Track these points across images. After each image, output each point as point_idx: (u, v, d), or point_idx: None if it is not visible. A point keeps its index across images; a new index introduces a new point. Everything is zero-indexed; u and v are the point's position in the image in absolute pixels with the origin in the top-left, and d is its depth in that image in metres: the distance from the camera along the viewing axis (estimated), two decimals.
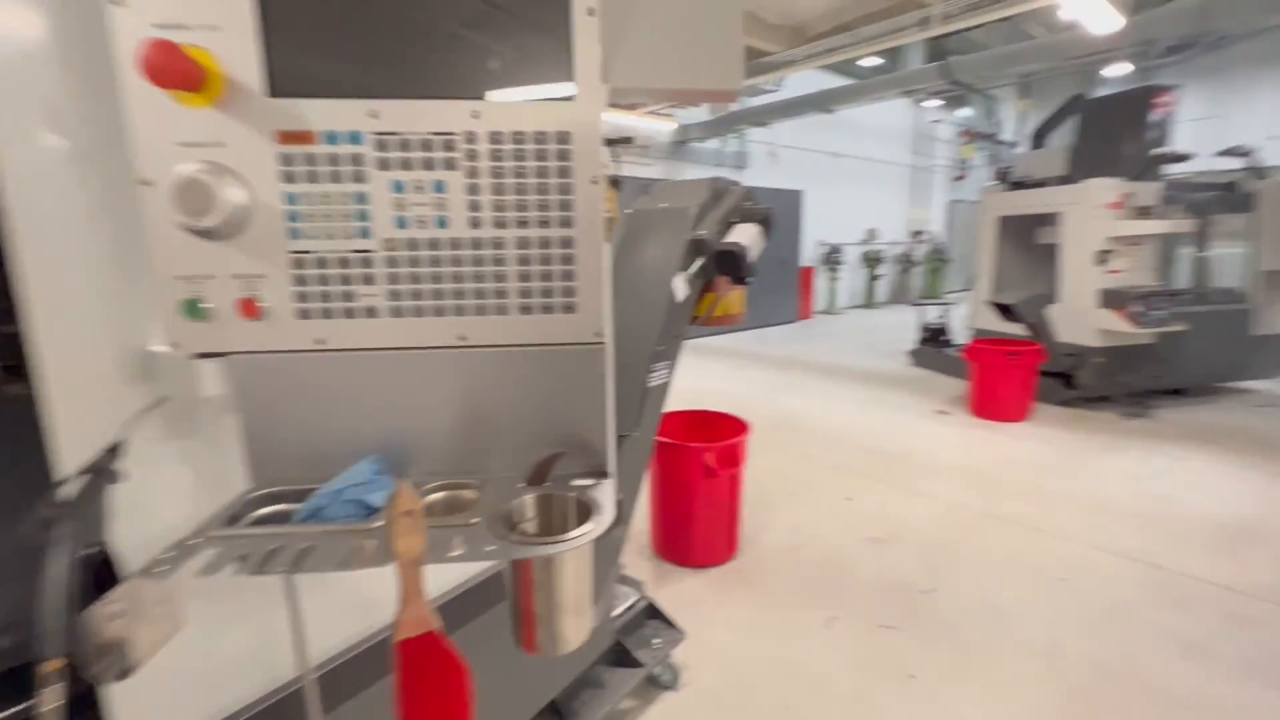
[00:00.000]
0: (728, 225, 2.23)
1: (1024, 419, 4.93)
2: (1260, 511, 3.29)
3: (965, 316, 6.63)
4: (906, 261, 13.99)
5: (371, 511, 0.72)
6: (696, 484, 2.62)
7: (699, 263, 2.17)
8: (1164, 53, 8.37)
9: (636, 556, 2.83)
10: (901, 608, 2.45)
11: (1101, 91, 6.90)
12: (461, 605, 1.36)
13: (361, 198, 0.71)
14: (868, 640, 2.26)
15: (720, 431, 2.85)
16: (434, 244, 0.73)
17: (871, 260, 13.00)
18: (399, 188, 0.72)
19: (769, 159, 11.32)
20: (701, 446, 2.58)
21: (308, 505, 0.74)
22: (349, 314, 0.74)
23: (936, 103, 13.57)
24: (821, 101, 9.41)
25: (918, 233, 14.50)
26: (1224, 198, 5.55)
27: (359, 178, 0.71)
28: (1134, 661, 2.14)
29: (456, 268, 0.74)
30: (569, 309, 0.74)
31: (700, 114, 9.84)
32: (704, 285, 2.38)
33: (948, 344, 6.91)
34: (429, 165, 0.72)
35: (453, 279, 0.74)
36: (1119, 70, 10.50)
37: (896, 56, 12.77)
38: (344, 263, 0.72)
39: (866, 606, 2.46)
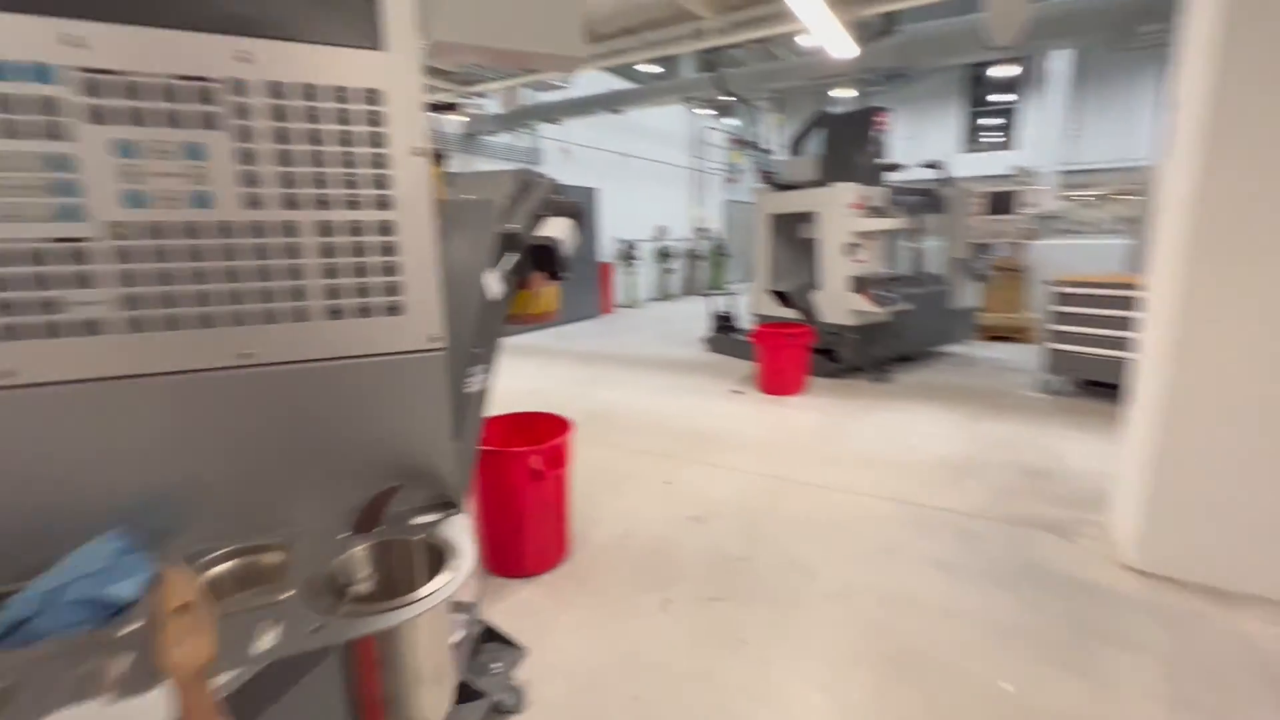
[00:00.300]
0: (538, 219, 2.13)
1: (802, 392, 5.63)
2: (969, 448, 4.17)
3: (749, 304, 7.38)
4: (693, 256, 15.17)
5: (116, 612, 0.50)
6: (524, 489, 2.50)
7: (512, 258, 2.04)
8: (879, 80, 10.19)
9: None
10: (725, 578, 2.62)
11: (836, 109, 8.13)
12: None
13: (61, 162, 0.48)
14: (700, 615, 2.37)
15: (542, 432, 2.76)
16: (192, 230, 0.53)
17: (663, 255, 13.83)
18: (127, 150, 0.50)
19: (562, 156, 11.38)
20: (526, 450, 2.46)
21: (2, 619, 0.50)
22: (52, 331, 0.50)
23: (708, 111, 14.87)
24: (610, 102, 9.70)
25: (701, 229, 15.81)
26: (927, 201, 6.94)
27: (54, 133, 0.48)
28: (905, 584, 2.55)
29: (230, 262, 0.54)
30: (394, 309, 0.59)
31: (492, 106, 9.51)
32: (518, 282, 2.25)
33: (736, 330, 7.63)
34: (175, 121, 0.51)
35: (225, 277, 0.54)
36: (845, 93, 12.55)
37: (673, 65, 13.69)
38: (36, 257, 0.49)
39: (695, 583, 2.58)
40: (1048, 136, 15.67)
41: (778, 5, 5.27)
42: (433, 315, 0.63)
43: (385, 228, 0.59)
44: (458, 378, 1.71)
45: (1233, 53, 2.22)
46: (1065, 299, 5.15)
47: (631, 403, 5.46)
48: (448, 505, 0.67)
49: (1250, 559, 2.44)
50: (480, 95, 8.62)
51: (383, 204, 0.59)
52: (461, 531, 0.62)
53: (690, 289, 15.07)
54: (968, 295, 7.16)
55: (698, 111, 14.74)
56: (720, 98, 9.51)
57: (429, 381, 0.65)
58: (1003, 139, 19.05)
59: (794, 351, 5.55)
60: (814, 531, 3.04)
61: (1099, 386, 5.21)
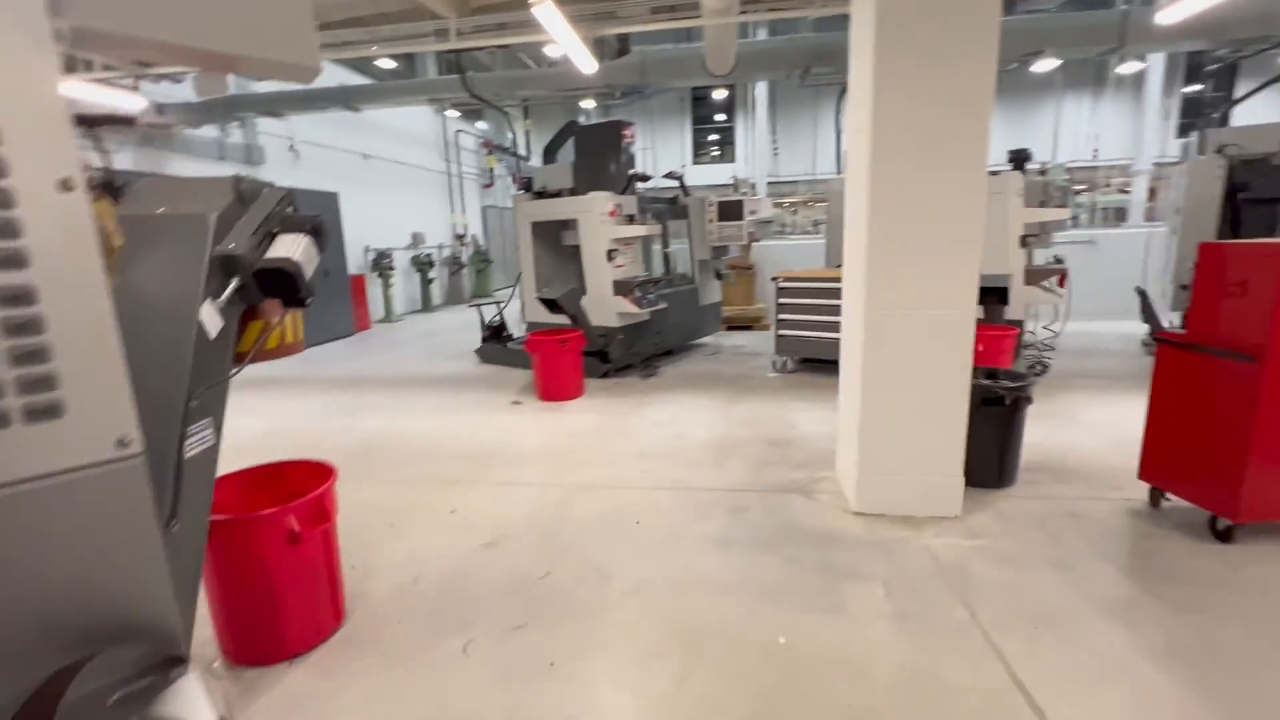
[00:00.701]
0: (268, 236, 1.82)
1: (580, 395, 5.77)
2: (728, 429, 4.70)
3: (518, 312, 7.31)
4: (455, 264, 14.54)
5: None
6: (279, 557, 2.11)
7: (234, 285, 1.71)
8: (620, 95, 10.91)
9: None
10: (526, 602, 2.55)
11: (583, 120, 8.48)
12: None
13: None
14: (505, 648, 2.27)
15: (296, 484, 2.36)
16: None
17: (422, 264, 13.00)
18: None
19: (291, 156, 9.95)
20: (277, 511, 2.08)
21: None
22: None
23: (456, 113, 14.33)
24: (344, 98, 8.76)
25: (460, 236, 15.22)
26: (671, 208, 7.64)
27: None
28: (690, 567, 2.77)
29: None
30: (45, 412, 0.41)
31: (184, 92, 7.86)
32: (246, 313, 1.90)
33: (509, 339, 7.50)
34: None
35: None
36: (590, 104, 13.18)
37: (416, 63, 12.86)
38: None
39: (496, 615, 2.46)
40: (756, 152, 18.45)
41: (523, 14, 5.29)
42: (116, 408, 0.45)
43: (16, 296, 0.41)
44: (172, 441, 1.36)
45: (881, 96, 2.83)
46: (784, 291, 6.11)
47: (402, 429, 5.02)
48: (170, 663, 0.49)
49: (922, 490, 3.16)
50: (171, 79, 7.07)
51: (9, 261, 0.41)
52: (194, 701, 0.46)
53: (454, 298, 14.42)
54: (713, 292, 8.07)
55: (446, 114, 14.13)
56: (469, 101, 9.24)
57: (121, 502, 0.46)
58: (721, 153, 21.93)
59: (568, 357, 5.66)
60: (607, 532, 3.13)
61: (818, 363, 6.31)
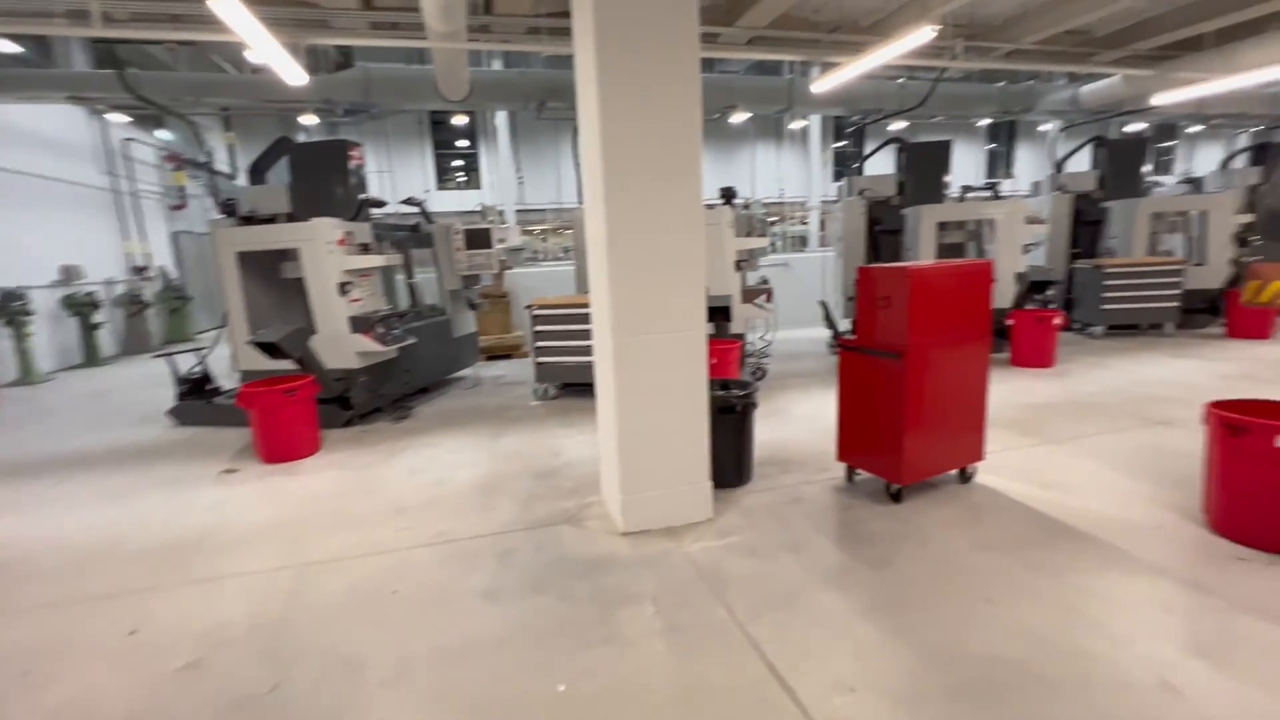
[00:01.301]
0: None
1: (316, 451, 5.00)
2: (491, 467, 4.50)
3: (228, 359, 6.09)
4: (136, 303, 11.62)
5: None
6: None
7: None
8: (344, 112, 9.94)
9: None
10: None
11: (302, 137, 7.51)
12: None
13: None
14: None
15: None
16: None
17: (80, 306, 10.09)
18: None
19: None
20: None
21: None
22: None
23: (123, 118, 11.59)
24: None
25: (141, 268, 12.24)
26: (414, 236, 7.15)
27: None
28: (461, 631, 2.52)
29: None
30: None
31: None
32: None
33: (216, 392, 6.19)
34: None
35: None
36: (310, 120, 11.78)
37: (50, 49, 10.05)
38: None
39: None
40: (502, 179, 18.50)
41: (199, 5, 4.44)
42: None
43: None
44: None
45: (608, 144, 2.98)
46: (539, 319, 6.14)
47: (43, 533, 3.75)
48: None
49: (679, 500, 3.39)
50: None
51: None
52: None
53: (137, 347, 11.52)
54: (467, 322, 7.76)
55: (107, 118, 11.29)
56: (137, 104, 7.50)
57: None
58: (466, 179, 21.53)
59: (297, 408, 4.86)
60: (357, 613, 2.70)
61: (580, 387, 6.44)
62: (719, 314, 6.15)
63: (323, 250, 5.45)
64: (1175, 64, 6.82)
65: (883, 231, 8.50)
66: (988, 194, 8.40)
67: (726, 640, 2.39)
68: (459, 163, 21.73)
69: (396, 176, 19.35)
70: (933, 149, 8.42)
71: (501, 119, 17.45)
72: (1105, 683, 2.06)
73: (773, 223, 19.57)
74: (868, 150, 9.56)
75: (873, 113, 8.54)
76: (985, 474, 3.85)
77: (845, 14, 6.01)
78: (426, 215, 7.45)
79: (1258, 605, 2.45)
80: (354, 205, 6.24)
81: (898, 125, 15.01)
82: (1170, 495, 3.47)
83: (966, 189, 8.68)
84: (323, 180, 6.39)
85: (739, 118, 20.04)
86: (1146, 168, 9.20)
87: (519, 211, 18.95)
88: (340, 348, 5.52)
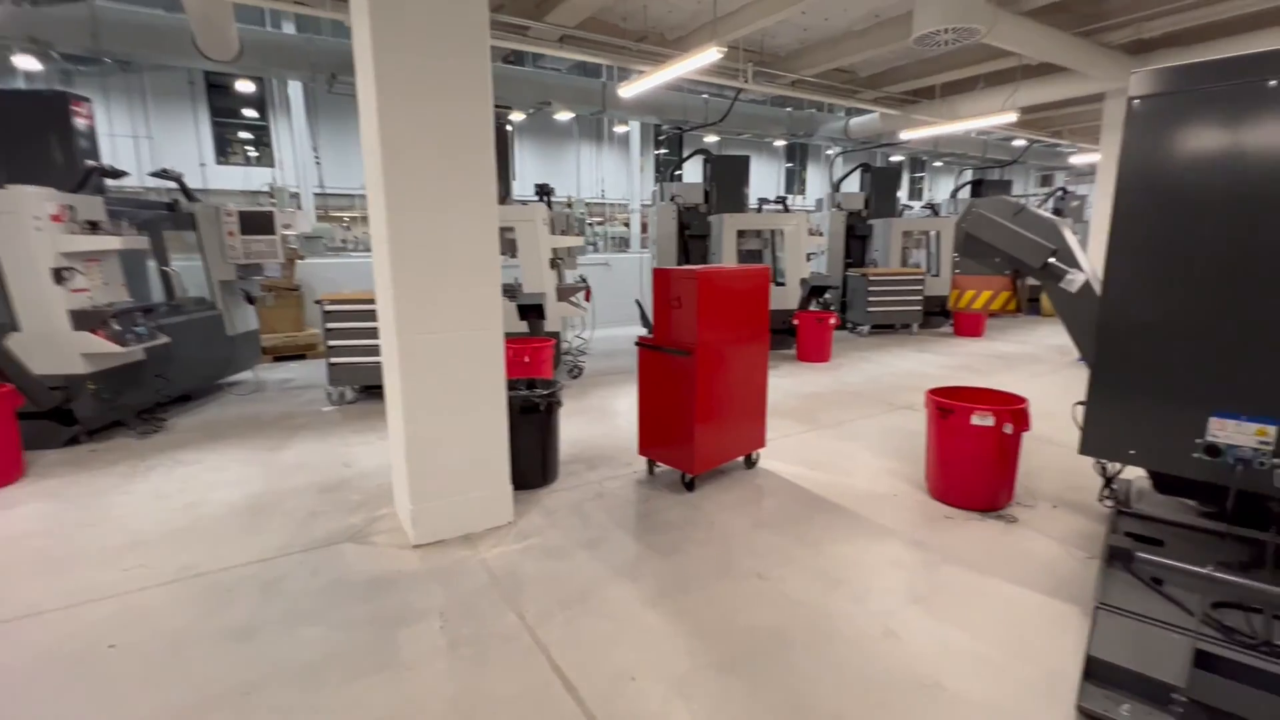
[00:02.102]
0: None
1: (18, 478, 3.98)
2: (266, 485, 3.95)
3: None
4: None
5: None
6: None
7: None
8: (71, 59, 8.06)
9: None
10: None
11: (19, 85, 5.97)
12: None
13: None
14: None
15: None
16: None
17: None
18: None
19: None
20: None
21: None
22: None
23: None
24: None
25: None
26: (169, 216, 6.03)
27: None
28: (198, 684, 2.15)
29: None
30: None
31: None
32: None
33: None
34: None
35: None
36: (28, 64, 9.39)
37: None
38: None
39: None
40: (299, 159, 16.49)
41: None
42: None
43: None
44: None
45: (385, 110, 2.75)
46: (332, 315, 5.54)
47: None
48: None
49: (477, 505, 3.26)
50: None
51: None
52: None
53: None
54: (245, 318, 6.75)
55: None
56: None
57: None
58: (258, 155, 18.86)
59: None
60: (55, 680, 2.17)
61: (379, 389, 5.92)
62: (532, 312, 6.07)
63: (27, 226, 4.35)
64: (916, 108, 8.18)
65: (692, 236, 9.06)
66: (779, 207, 9.36)
67: (514, 648, 2.33)
68: (246, 135, 18.92)
69: (159, 144, 16.26)
70: (734, 162, 9.17)
71: (296, 90, 15.51)
72: (843, 637, 2.37)
73: (598, 223, 19.96)
74: (682, 158, 10.18)
75: (683, 123, 9.07)
76: (767, 459, 4.26)
77: (651, 26, 6.26)
78: (186, 192, 6.33)
79: (957, 554, 3.00)
80: (79, 173, 5.08)
81: (711, 139, 16.18)
82: (905, 469, 4.13)
83: (763, 201, 9.60)
84: (34, 140, 5.12)
85: (563, 116, 20.08)
86: (901, 193, 10.97)
87: (319, 195, 17.04)
88: (56, 349, 4.46)
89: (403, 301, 2.88)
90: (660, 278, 3.69)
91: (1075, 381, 6.57)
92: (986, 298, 3.25)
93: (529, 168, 21.10)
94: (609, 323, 10.06)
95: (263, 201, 6.61)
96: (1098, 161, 7.50)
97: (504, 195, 6.73)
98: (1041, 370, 7.20)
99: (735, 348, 3.77)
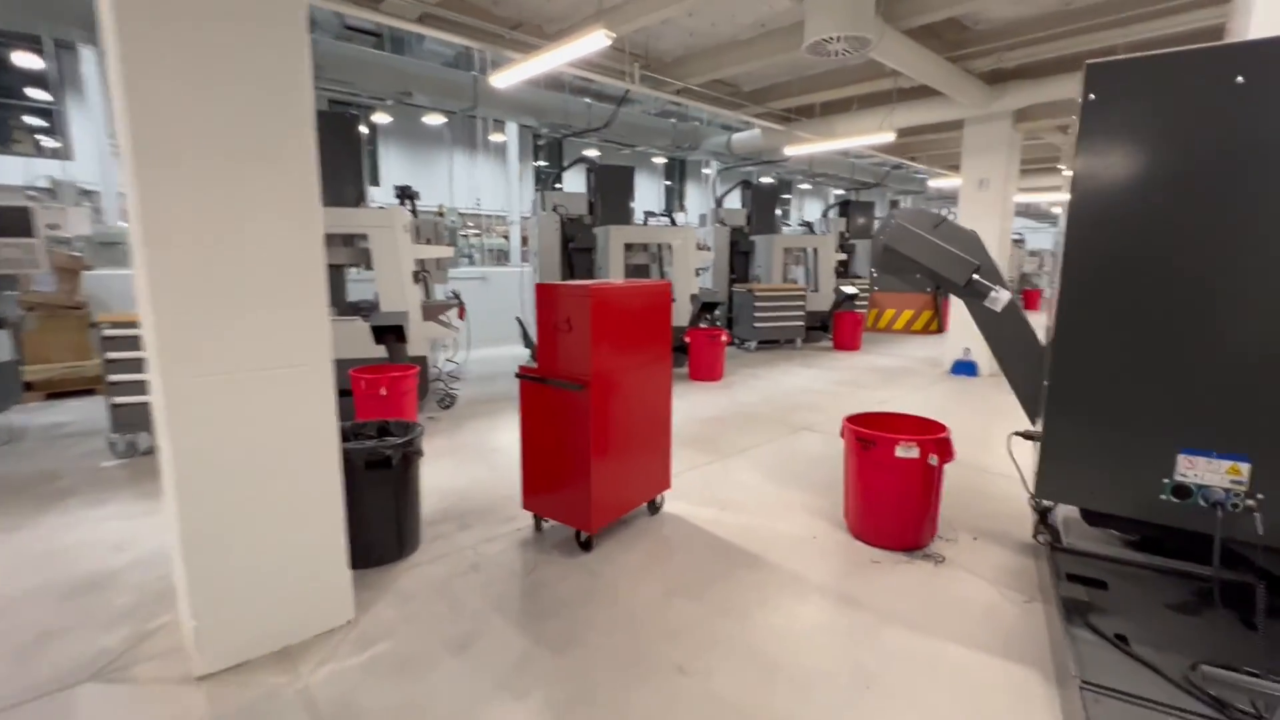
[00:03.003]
0: None
1: None
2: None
3: None
4: None
5: None
6: None
7: None
8: None
9: None
10: None
11: None
12: None
13: None
14: None
15: None
16: None
17: None
18: None
19: None
20: None
21: None
22: None
23: None
24: None
25: None
26: None
27: None
28: None
29: None
30: None
31: None
32: None
33: None
34: None
35: None
36: None
37: None
38: None
39: None
40: (102, 149, 13.82)
41: None
42: None
43: None
44: None
45: (133, 80, 1.88)
46: (113, 342, 4.27)
47: None
48: None
49: (297, 606, 2.40)
50: None
51: None
52: None
53: None
54: None
55: None
56: None
57: None
58: (58, 145, 15.67)
59: None
60: None
61: None
62: (391, 334, 5.13)
63: None
64: (796, 125, 8.23)
65: (577, 249, 8.47)
66: (666, 220, 9.06)
67: None
68: (38, 122, 15.65)
69: None
70: (619, 173, 8.73)
71: (91, 63, 12.98)
72: None
73: (475, 234, 18.76)
74: (564, 164, 9.59)
75: (564, 127, 8.47)
76: (674, 500, 3.73)
77: (528, 15, 5.62)
78: None
79: (895, 612, 2.62)
80: None
81: (594, 153, 15.76)
82: (820, 502, 3.78)
83: (649, 214, 9.25)
84: None
85: (434, 119, 18.71)
86: (779, 211, 11.16)
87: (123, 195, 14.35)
88: None
89: (167, 332, 1.99)
90: (545, 295, 3.04)
91: (955, 393, 6.78)
92: (908, 317, 2.96)
93: (396, 174, 19.49)
94: (487, 341, 9.18)
95: (16, 197, 5.01)
96: (959, 186, 7.90)
97: (358, 198, 5.73)
98: (920, 383, 7.40)
99: (636, 377, 3.21)
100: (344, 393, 5.18)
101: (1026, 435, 2.64)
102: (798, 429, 5.42)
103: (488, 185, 20.87)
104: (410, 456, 3.00)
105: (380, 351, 5.27)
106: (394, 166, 19.78)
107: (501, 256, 18.78)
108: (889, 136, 7.14)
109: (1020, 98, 6.66)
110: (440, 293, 7.81)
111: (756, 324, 9.46)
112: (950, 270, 2.81)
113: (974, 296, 2.82)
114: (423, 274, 6.45)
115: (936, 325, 2.88)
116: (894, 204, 20.89)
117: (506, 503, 3.67)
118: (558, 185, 9.03)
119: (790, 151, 8.40)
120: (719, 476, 4.24)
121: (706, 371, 7.46)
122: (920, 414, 3.42)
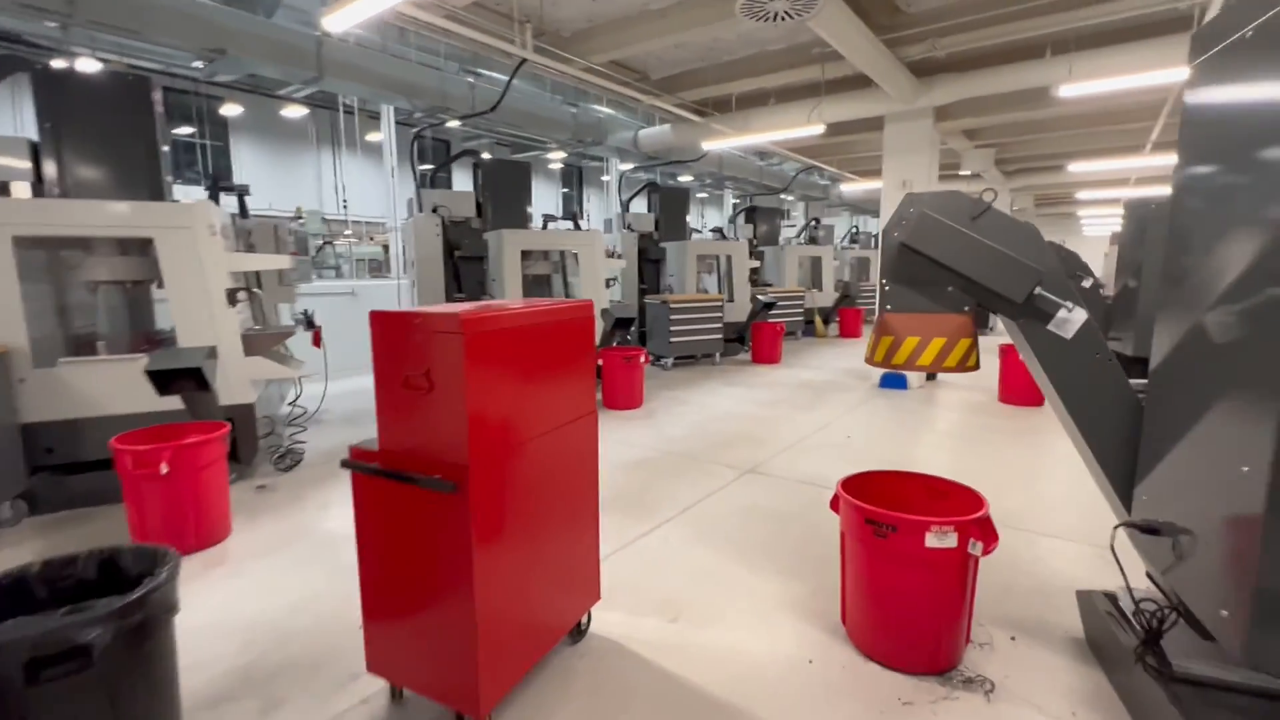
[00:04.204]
0: None
1: None
2: None
3: None
4: None
5: None
6: None
7: None
8: None
9: None
10: None
11: None
12: None
13: None
14: None
15: None
16: None
17: None
18: None
19: None
20: None
21: None
22: None
23: None
24: None
25: None
26: None
27: None
28: None
29: None
30: None
31: None
32: None
33: None
34: None
35: None
36: None
37: None
38: None
39: None
40: None
41: None
42: None
43: None
44: None
45: None
46: None
47: None
48: None
49: None
50: None
51: None
52: None
53: None
54: None
55: None
56: None
57: None
58: None
59: None
60: None
61: None
62: (187, 379, 3.60)
63: None
64: (712, 119, 7.42)
65: (464, 258, 7.14)
66: (569, 224, 7.95)
67: None
68: None
69: None
70: (513, 170, 7.52)
71: None
72: None
73: (346, 243, 16.58)
74: (450, 157, 8.25)
75: (442, 110, 7.12)
76: (604, 610, 2.62)
77: None
78: None
79: None
80: None
81: (485, 156, 14.32)
82: (797, 588, 2.82)
83: (549, 218, 8.10)
84: None
85: (293, 112, 16.38)
86: (690, 216, 10.39)
87: None
88: None
89: None
90: (386, 331, 1.83)
91: (892, 412, 6.17)
92: (936, 350, 2.05)
93: (252, 176, 16.94)
94: (357, 369, 7.60)
95: None
96: (872, 190, 7.40)
97: (154, 191, 4.15)
98: (853, 400, 6.79)
99: (546, 451, 2.07)
100: (98, 466, 3.59)
101: (1145, 528, 1.80)
102: (741, 472, 4.49)
103: (364, 189, 18.70)
104: (144, 632, 1.67)
105: (173, 404, 3.71)
106: (249, 167, 17.20)
107: (379, 268, 16.75)
108: (818, 129, 6.48)
109: (947, 92, 6.23)
110: (287, 315, 6.20)
111: (673, 339, 8.56)
112: (1003, 280, 1.94)
113: (1034, 318, 1.97)
114: (251, 292, 4.91)
115: (975, 360, 2.06)
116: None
117: (350, 643, 2.39)
118: (443, 178, 7.67)
119: (708, 146, 7.61)
120: (660, 556, 3.18)
121: (625, 399, 6.41)
122: (915, 467, 2.55)
